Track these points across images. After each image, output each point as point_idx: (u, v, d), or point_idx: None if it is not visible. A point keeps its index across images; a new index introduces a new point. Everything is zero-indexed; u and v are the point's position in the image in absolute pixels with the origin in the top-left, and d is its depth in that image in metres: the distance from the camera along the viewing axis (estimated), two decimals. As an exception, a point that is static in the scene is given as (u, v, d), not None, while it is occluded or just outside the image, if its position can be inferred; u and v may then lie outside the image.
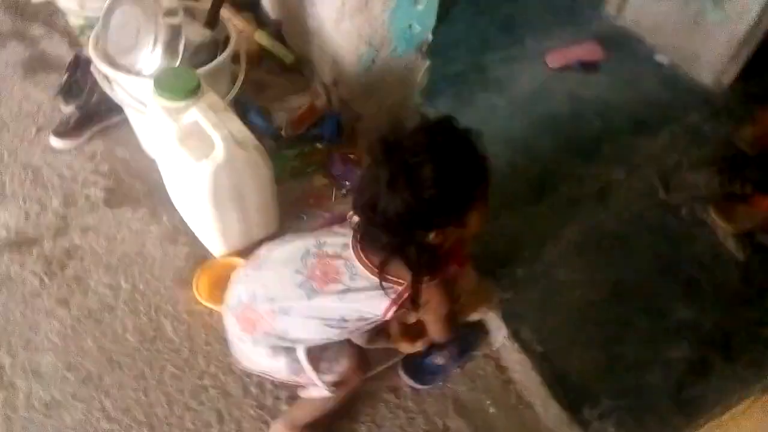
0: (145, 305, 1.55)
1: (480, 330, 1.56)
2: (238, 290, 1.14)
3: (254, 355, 1.13)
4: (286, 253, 1.11)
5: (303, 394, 1.24)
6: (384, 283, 1.02)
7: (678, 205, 1.88)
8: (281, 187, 1.78)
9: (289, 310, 1.06)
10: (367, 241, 1.03)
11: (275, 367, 1.13)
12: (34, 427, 1.32)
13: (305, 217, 1.79)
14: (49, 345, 1.45)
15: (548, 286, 1.65)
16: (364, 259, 1.03)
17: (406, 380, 1.46)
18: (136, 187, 1.83)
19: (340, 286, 1.03)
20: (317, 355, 1.13)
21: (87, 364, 1.43)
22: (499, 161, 2.02)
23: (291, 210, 1.77)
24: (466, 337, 1.53)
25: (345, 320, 1.06)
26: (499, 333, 1.53)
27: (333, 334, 1.09)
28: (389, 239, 0.97)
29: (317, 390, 1.18)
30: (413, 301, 1.03)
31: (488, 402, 1.47)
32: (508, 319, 1.53)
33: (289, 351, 1.10)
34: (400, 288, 1.03)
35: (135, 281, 1.60)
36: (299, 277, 1.05)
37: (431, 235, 0.98)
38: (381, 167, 0.92)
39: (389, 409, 1.43)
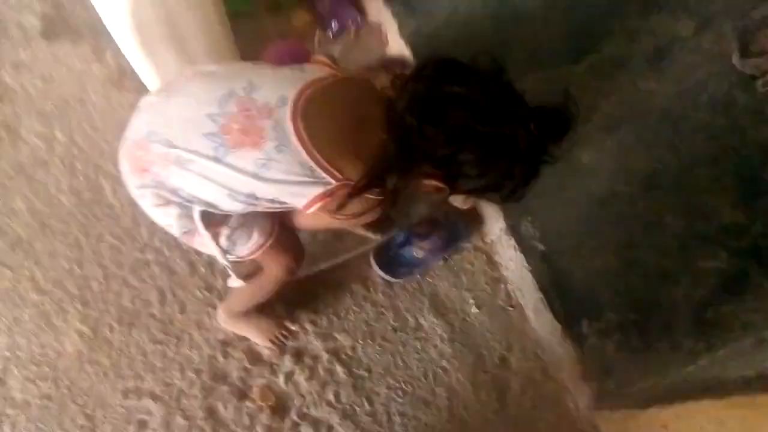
0: (82, 162, 1.33)
1: (473, 219, 1.31)
2: (137, 121, 0.86)
3: (140, 200, 0.88)
4: (206, 87, 0.82)
5: (228, 283, 1.05)
6: (321, 173, 0.76)
7: (753, 75, 1.46)
8: (252, 25, 1.44)
9: (188, 164, 0.79)
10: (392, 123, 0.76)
11: (164, 221, 0.89)
12: (-45, 293, 1.20)
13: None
14: (-26, 202, 1.28)
15: (565, 172, 1.33)
16: (303, 133, 0.75)
17: (377, 271, 1.25)
18: (78, 15, 1.50)
19: (259, 155, 0.76)
20: (218, 219, 0.88)
21: (17, 228, 1.26)
22: (532, 8, 1.60)
23: (261, 55, 1.43)
24: (454, 226, 1.29)
25: (255, 197, 0.80)
26: (495, 224, 1.28)
27: (237, 208, 0.84)
28: (426, 153, 0.76)
29: (233, 280, 0.98)
30: (340, 202, 0.78)
31: (471, 300, 1.27)
32: (507, 209, 1.26)
33: (183, 206, 0.85)
34: (334, 183, 0.76)
35: (72, 133, 1.35)
36: (211, 125, 0.77)
37: (429, 182, 0.79)
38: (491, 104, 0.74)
39: (355, 301, 1.25)
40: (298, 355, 1.19)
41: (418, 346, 1.22)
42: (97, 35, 1.45)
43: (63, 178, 1.31)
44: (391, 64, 1.43)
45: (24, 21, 1.49)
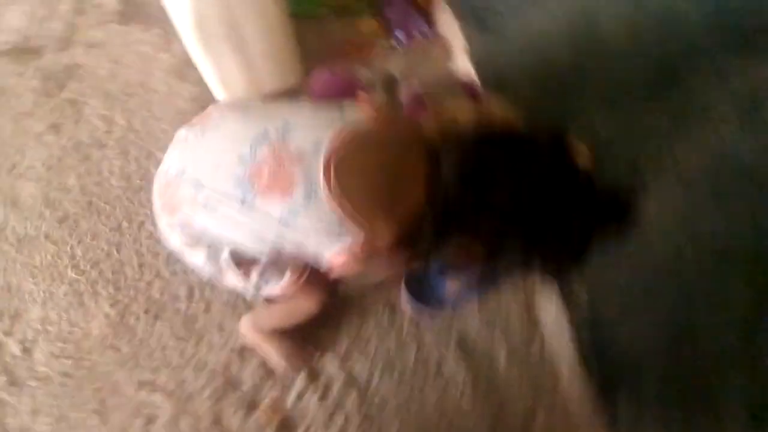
0: (137, 148, 1.35)
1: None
2: (171, 157, 0.85)
3: (170, 237, 0.87)
4: (240, 125, 0.79)
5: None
6: (349, 227, 0.73)
7: None
8: (318, 27, 1.42)
9: (216, 207, 0.77)
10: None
11: (193, 260, 0.87)
12: (2, 258, 1.25)
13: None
14: (32, 174, 1.33)
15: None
16: (334, 185, 0.71)
17: (407, 300, 1.20)
18: (153, 2, 1.52)
19: (288, 203, 0.73)
20: (249, 258, 0.85)
21: (66, 204, 1.30)
22: (615, 37, 1.48)
23: (323, 57, 1.40)
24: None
25: (282, 244, 0.78)
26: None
27: (264, 251, 0.81)
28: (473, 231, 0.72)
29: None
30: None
31: (502, 346, 1.19)
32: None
33: (211, 246, 0.83)
34: (362, 239, 0.73)
35: (131, 118, 1.38)
36: (241, 169, 0.75)
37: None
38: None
39: (379, 328, 1.20)
40: (313, 376, 1.15)
41: (438, 387, 1.15)
42: (168, 24, 1.46)
43: (116, 161, 1.34)
44: (458, 88, 1.36)
45: (102, 2, 1.53)
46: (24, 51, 1.46)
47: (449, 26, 1.46)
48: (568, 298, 1.14)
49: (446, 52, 1.48)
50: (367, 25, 1.49)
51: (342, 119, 0.77)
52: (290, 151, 0.73)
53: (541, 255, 0.72)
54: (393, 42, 1.47)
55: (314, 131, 0.75)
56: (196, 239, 0.83)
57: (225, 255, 0.82)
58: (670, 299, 1.14)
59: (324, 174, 0.71)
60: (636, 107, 1.36)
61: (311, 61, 1.37)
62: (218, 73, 1.22)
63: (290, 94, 1.32)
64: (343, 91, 0.95)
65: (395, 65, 1.43)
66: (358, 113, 0.79)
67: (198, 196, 0.77)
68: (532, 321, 1.20)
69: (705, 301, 1.14)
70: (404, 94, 1.35)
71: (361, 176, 0.72)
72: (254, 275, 0.85)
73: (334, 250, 0.75)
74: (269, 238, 0.77)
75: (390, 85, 1.39)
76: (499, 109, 1.25)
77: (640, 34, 1.43)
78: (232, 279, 0.85)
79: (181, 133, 0.86)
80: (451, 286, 1.19)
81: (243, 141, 0.76)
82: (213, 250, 0.83)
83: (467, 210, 0.68)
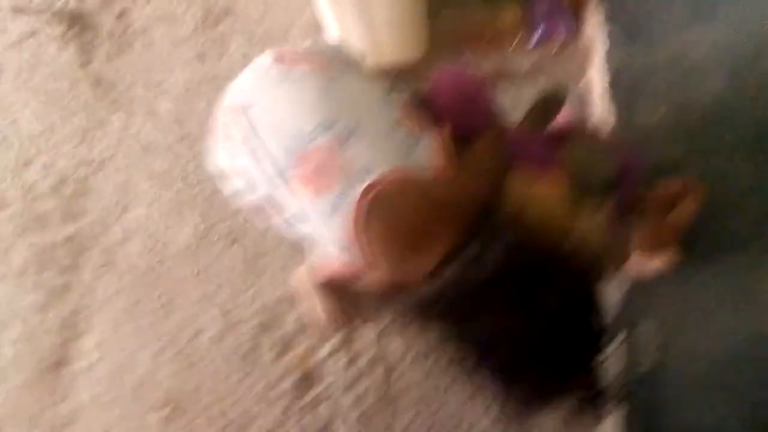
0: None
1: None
2: (246, 82, 0.84)
3: (216, 158, 0.87)
4: (320, 98, 0.78)
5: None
6: (349, 249, 0.74)
7: None
8: (459, 8, 1.40)
9: (259, 159, 0.78)
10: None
11: (231, 187, 0.88)
12: (132, 154, 1.43)
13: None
14: (173, 92, 1.50)
15: (732, 293, 1.05)
16: (359, 220, 0.71)
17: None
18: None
19: (314, 204, 0.74)
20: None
21: (192, 124, 1.45)
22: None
23: (455, 41, 1.38)
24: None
25: (296, 223, 0.81)
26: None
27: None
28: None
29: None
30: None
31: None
32: (629, 303, 1.06)
33: (249, 181, 0.84)
34: (352, 265, 0.77)
35: (265, 61, 1.49)
36: (295, 144, 0.76)
37: None
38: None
39: (425, 317, 1.18)
40: (349, 339, 1.18)
41: (466, 393, 1.11)
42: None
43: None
44: (609, 150, 1.21)
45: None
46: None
47: (595, 30, 1.35)
48: (632, 347, 1.02)
49: (583, 60, 1.37)
50: (511, 15, 1.43)
51: (408, 156, 0.75)
52: (343, 157, 0.74)
53: (511, 394, 0.69)
54: (533, 39, 1.40)
55: (375, 153, 0.74)
56: (237, 169, 0.85)
57: (261, 192, 0.84)
58: (762, 388, 0.97)
59: (358, 202, 0.71)
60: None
61: (441, 42, 1.36)
62: (340, 34, 1.26)
63: (405, 73, 1.32)
64: (468, 101, 0.88)
65: (527, 63, 1.37)
66: (432, 155, 0.77)
67: (251, 141, 0.79)
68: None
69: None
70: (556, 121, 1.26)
71: (385, 226, 0.71)
72: (280, 219, 0.88)
73: (331, 255, 0.77)
74: (289, 212, 0.80)
75: (549, 105, 1.28)
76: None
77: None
78: (266, 213, 0.88)
79: (270, 65, 0.83)
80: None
81: (312, 116, 0.77)
82: (251, 183, 0.85)
83: (454, 315, 0.66)
